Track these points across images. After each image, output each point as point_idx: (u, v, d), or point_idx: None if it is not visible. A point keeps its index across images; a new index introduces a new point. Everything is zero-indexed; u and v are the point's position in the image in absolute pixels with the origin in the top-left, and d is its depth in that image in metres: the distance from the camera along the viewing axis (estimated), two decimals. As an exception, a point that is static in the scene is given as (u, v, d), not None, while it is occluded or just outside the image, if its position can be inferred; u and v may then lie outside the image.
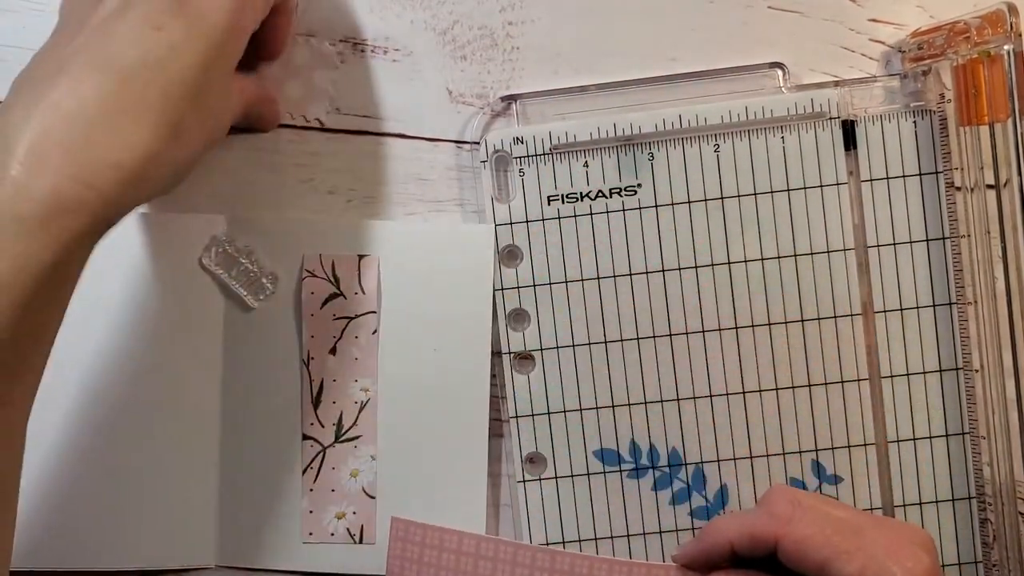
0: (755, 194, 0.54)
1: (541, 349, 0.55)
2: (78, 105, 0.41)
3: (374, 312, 0.55)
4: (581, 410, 0.55)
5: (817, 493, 0.52)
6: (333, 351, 0.55)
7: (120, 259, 0.54)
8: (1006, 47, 0.49)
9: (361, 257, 0.55)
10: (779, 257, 0.54)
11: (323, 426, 0.55)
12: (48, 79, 0.41)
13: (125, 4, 0.43)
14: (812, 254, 0.54)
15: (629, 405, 0.55)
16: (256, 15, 0.47)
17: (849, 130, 0.54)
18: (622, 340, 0.55)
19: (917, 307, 0.54)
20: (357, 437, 0.55)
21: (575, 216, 0.54)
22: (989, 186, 0.51)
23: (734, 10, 0.55)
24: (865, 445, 0.54)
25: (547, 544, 0.55)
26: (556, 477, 0.55)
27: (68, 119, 0.40)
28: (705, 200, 0.54)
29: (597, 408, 0.55)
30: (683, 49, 0.55)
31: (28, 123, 0.40)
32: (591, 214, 0.54)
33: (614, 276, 0.54)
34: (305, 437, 0.55)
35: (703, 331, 0.55)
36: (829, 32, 0.55)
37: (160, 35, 0.42)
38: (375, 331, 0.55)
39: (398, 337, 0.55)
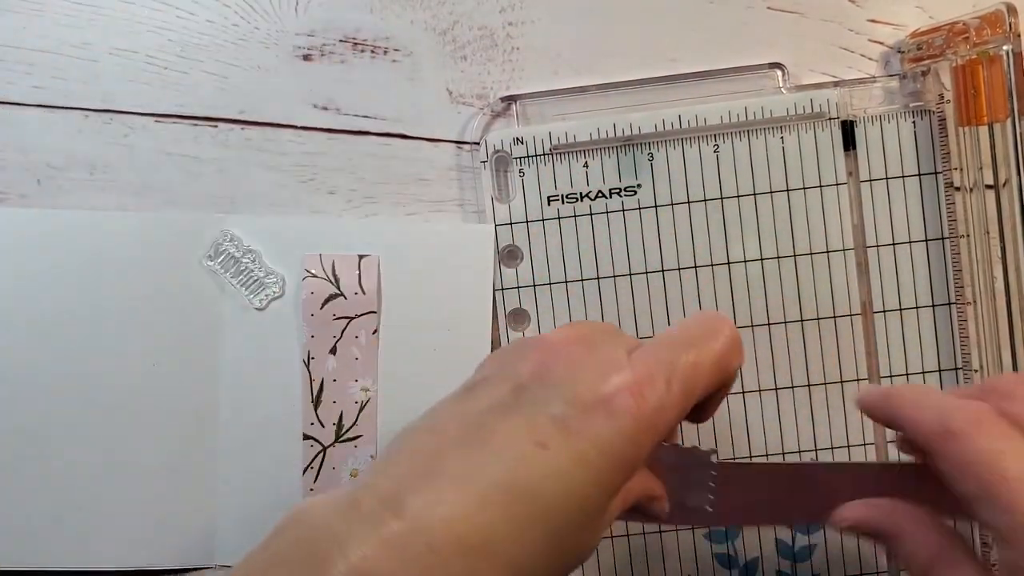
0: (755, 194, 0.54)
1: None
2: (427, 523, 0.34)
3: (374, 312, 0.54)
4: (581, 410, 0.54)
5: None
6: (333, 351, 0.54)
7: (121, 259, 0.54)
8: (1005, 47, 0.49)
9: (361, 257, 0.54)
10: (779, 257, 0.54)
11: (323, 426, 0.54)
12: (421, 475, 0.35)
13: (515, 398, 0.37)
14: (812, 254, 0.54)
15: (629, 405, 0.54)
16: (667, 427, 0.38)
17: (848, 130, 0.54)
18: (622, 340, 0.54)
19: (916, 307, 0.54)
20: (357, 437, 0.54)
21: (575, 216, 0.54)
22: (988, 186, 0.51)
23: (734, 10, 0.55)
24: (864, 445, 0.54)
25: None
26: (556, 476, 0.54)
27: (413, 533, 0.34)
28: (705, 200, 0.54)
29: (597, 408, 0.54)
30: (683, 49, 0.55)
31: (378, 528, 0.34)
32: (591, 214, 0.54)
33: (614, 276, 0.54)
34: (305, 437, 0.54)
35: (703, 331, 0.54)
36: (828, 32, 0.55)
37: (543, 455, 0.35)
38: (375, 331, 0.54)
39: (398, 337, 0.54)
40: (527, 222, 0.54)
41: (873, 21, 0.55)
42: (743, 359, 0.42)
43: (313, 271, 0.54)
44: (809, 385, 0.54)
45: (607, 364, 0.38)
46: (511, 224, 0.54)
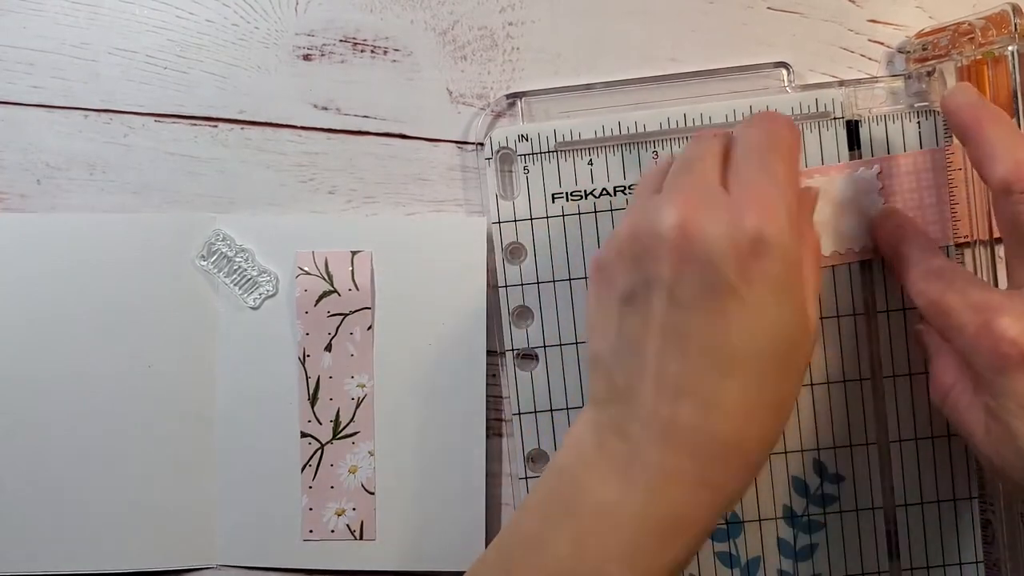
0: (758, 192, 0.52)
1: (544, 346, 0.52)
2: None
3: (368, 308, 0.53)
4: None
5: None
6: (328, 348, 0.53)
7: (114, 261, 0.53)
8: (1011, 48, 0.47)
9: (354, 253, 0.53)
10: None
11: (320, 423, 0.53)
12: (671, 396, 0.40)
13: (674, 298, 0.40)
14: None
15: (630, 404, 0.52)
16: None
17: (853, 130, 0.51)
18: (623, 339, 0.52)
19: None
20: (355, 433, 0.53)
21: (579, 214, 0.52)
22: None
23: (734, 11, 0.53)
24: (867, 444, 0.52)
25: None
26: (556, 476, 0.52)
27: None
28: (707, 199, 0.52)
29: (598, 406, 0.52)
30: (683, 50, 0.53)
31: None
32: (595, 212, 0.52)
33: (617, 274, 0.52)
34: (303, 435, 0.53)
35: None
36: (828, 33, 0.53)
37: (737, 319, 0.39)
38: (370, 327, 0.53)
39: (393, 332, 0.53)
40: (531, 219, 0.52)
41: (873, 21, 0.53)
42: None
43: (306, 268, 0.53)
44: (811, 384, 0.52)
45: (726, 214, 0.39)
46: (515, 221, 0.52)
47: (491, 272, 0.53)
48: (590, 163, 0.52)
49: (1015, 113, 0.47)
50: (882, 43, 0.53)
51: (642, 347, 0.40)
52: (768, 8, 0.53)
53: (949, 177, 0.51)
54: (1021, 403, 0.40)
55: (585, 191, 0.52)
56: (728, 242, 0.38)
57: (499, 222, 0.52)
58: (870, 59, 0.53)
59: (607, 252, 0.42)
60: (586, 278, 0.52)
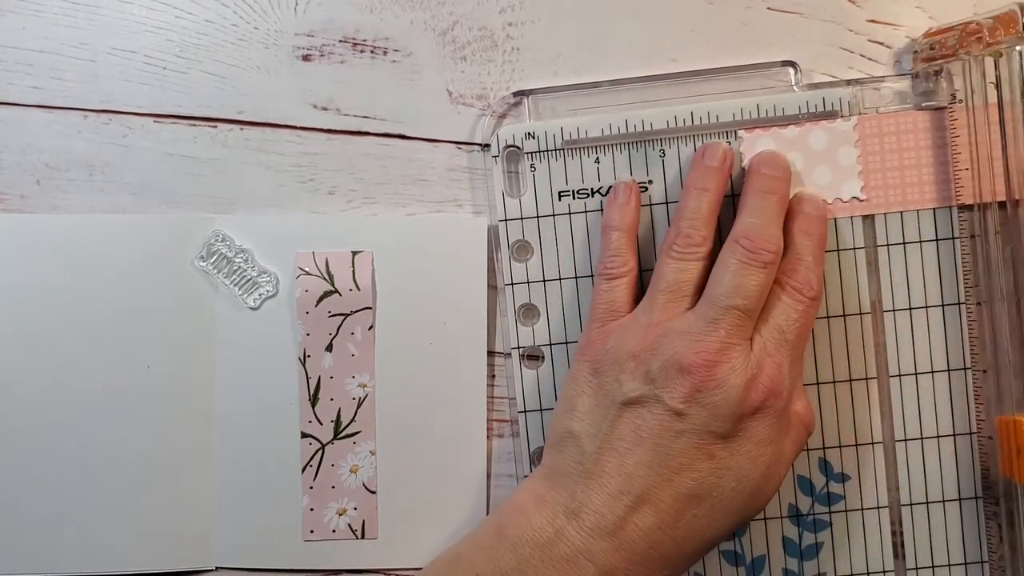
0: (764, 191, 0.48)
1: (550, 344, 0.50)
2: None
3: (369, 308, 0.50)
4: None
5: None
6: (329, 348, 0.50)
7: (113, 262, 0.51)
8: (1018, 48, 0.44)
9: (355, 253, 0.50)
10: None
11: (321, 423, 0.51)
12: (628, 503, 0.41)
13: (679, 421, 0.41)
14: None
15: (635, 401, 0.49)
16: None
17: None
18: (629, 337, 0.49)
19: (926, 307, 0.48)
20: (356, 433, 0.51)
21: (586, 212, 0.49)
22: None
23: (734, 11, 0.50)
24: (872, 444, 0.48)
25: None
26: (562, 473, 0.49)
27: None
28: (714, 197, 0.48)
29: (603, 404, 0.49)
30: (683, 50, 0.50)
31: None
32: (602, 210, 0.49)
33: (624, 272, 0.49)
34: (304, 435, 0.51)
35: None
36: (828, 33, 0.50)
37: (714, 463, 0.41)
38: (371, 327, 0.50)
39: (394, 332, 0.51)
40: (538, 217, 0.49)
41: (873, 21, 0.50)
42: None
43: (307, 269, 0.50)
44: (817, 383, 0.48)
45: (744, 379, 0.41)
46: (522, 219, 0.49)
47: (491, 272, 0.50)
48: (597, 161, 0.49)
49: (1024, 112, 0.44)
50: (882, 43, 0.50)
51: (626, 448, 0.41)
52: (768, 8, 0.50)
53: (954, 137, 0.48)
54: None
55: (592, 189, 0.49)
56: (736, 404, 0.40)
57: (505, 220, 0.49)
58: (870, 59, 0.50)
59: (618, 347, 0.43)
60: (592, 276, 0.49)
